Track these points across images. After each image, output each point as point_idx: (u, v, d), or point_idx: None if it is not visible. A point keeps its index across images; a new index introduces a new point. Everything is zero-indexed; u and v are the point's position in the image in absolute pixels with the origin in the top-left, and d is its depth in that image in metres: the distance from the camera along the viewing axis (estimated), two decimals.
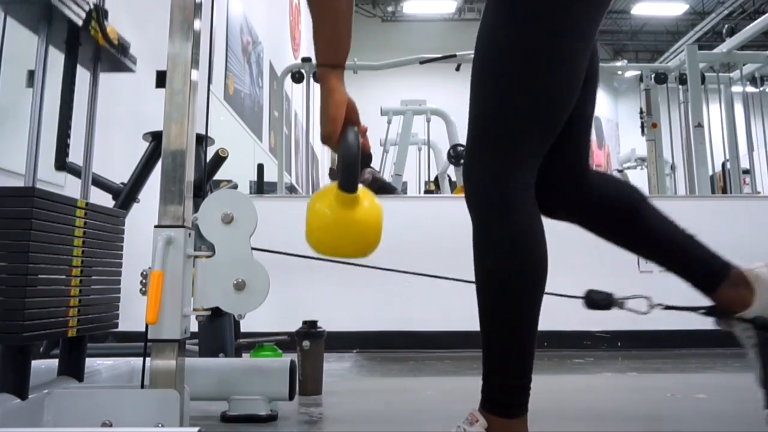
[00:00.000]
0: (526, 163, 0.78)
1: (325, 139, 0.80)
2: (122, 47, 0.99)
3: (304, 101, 3.73)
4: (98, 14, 0.93)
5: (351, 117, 0.80)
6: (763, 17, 3.64)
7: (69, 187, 0.96)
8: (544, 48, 0.76)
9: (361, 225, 0.78)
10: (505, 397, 0.77)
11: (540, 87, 0.77)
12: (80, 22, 0.91)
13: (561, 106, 0.78)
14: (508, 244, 0.77)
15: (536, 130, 0.78)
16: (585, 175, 0.89)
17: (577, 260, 2.64)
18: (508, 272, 0.76)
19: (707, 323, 2.98)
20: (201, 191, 1.23)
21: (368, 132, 0.83)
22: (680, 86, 3.83)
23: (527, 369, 0.77)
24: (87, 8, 0.93)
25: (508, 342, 0.77)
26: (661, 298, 3.09)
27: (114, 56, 1.00)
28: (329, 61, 0.80)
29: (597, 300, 0.85)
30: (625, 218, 0.90)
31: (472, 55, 0.82)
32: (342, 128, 0.78)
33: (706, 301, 0.90)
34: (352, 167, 0.74)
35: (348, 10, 0.80)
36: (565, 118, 0.79)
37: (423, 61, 3.81)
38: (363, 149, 0.77)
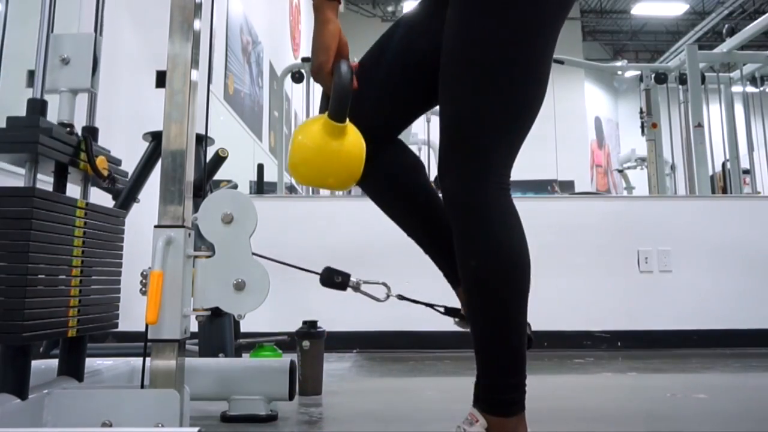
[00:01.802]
0: (501, 163, 0.79)
1: (317, 70, 0.79)
2: (112, 179, 0.96)
3: (304, 101, 3.73)
4: (87, 146, 0.92)
5: (342, 51, 0.80)
6: (763, 17, 3.64)
7: (69, 187, 0.95)
8: (526, 53, 0.78)
9: (348, 155, 0.77)
10: (501, 395, 0.77)
11: (518, 92, 0.78)
12: (67, 160, 0.90)
13: (535, 108, 0.80)
14: (489, 244, 0.77)
15: (511, 132, 0.79)
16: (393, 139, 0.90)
17: (576, 260, 2.65)
18: (493, 271, 0.77)
19: (707, 323, 2.98)
20: (201, 191, 1.22)
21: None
22: (680, 86, 3.82)
23: (520, 366, 0.78)
24: (75, 142, 0.91)
25: (498, 341, 0.78)
26: (662, 296, 3.09)
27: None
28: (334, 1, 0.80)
29: (333, 278, 0.85)
30: (410, 174, 0.90)
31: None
32: (334, 60, 0.78)
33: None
34: (345, 95, 0.73)
35: None
36: (534, 118, 0.81)
37: None
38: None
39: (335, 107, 0.74)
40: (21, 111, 0.90)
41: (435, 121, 4.37)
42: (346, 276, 0.85)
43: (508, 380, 0.77)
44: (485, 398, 0.78)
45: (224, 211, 0.88)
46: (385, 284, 0.85)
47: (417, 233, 0.90)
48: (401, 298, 0.87)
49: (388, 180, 0.88)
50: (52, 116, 0.92)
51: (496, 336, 0.78)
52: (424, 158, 4.68)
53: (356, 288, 0.85)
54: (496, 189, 0.78)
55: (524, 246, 0.79)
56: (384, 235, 2.61)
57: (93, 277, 0.95)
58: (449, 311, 0.87)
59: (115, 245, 1.02)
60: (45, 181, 0.91)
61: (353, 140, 0.77)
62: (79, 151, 0.92)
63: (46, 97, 0.91)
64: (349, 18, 7.53)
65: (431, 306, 0.87)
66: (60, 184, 0.93)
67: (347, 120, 0.75)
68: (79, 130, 0.95)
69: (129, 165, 1.60)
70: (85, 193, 0.99)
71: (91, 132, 0.97)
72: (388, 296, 0.85)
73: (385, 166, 0.86)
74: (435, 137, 4.52)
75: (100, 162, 0.93)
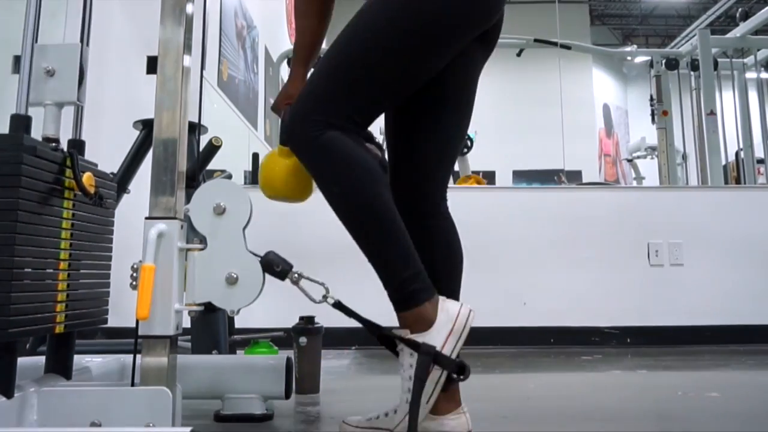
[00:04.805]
0: (343, 112, 0.91)
1: (275, 107, 1.05)
2: (99, 197, 0.95)
3: None
4: (73, 163, 0.87)
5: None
6: None
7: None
8: (370, 23, 0.93)
9: (300, 168, 0.94)
10: (404, 291, 0.87)
11: (351, 50, 0.93)
12: (52, 178, 0.85)
13: (386, 83, 0.93)
14: (340, 167, 0.89)
15: (358, 93, 0.92)
16: (437, 205, 1.03)
17: (587, 253, 2.61)
18: (351, 188, 0.89)
19: (720, 319, 2.93)
20: (194, 181, 1.20)
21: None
22: (692, 72, 3.76)
23: (406, 261, 0.88)
24: (60, 159, 0.86)
25: (377, 251, 0.89)
26: (674, 291, 3.04)
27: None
28: (304, 62, 1.07)
29: (272, 266, 0.88)
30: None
31: None
32: (287, 105, 0.99)
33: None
34: None
35: (323, 29, 1.08)
36: (390, 96, 0.95)
37: None
38: None
39: (281, 135, 0.99)
40: (7, 95, 0.87)
41: None
42: (288, 266, 0.89)
43: (403, 275, 0.87)
44: (396, 300, 0.88)
45: (216, 202, 0.87)
46: (324, 285, 0.90)
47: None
48: (337, 306, 0.91)
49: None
50: (37, 130, 0.88)
51: (372, 247, 0.89)
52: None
53: (295, 282, 0.88)
54: (334, 128, 0.89)
55: (371, 162, 0.90)
56: None
57: (81, 271, 0.93)
58: (380, 337, 0.93)
59: (104, 237, 1.00)
60: None
61: None
62: (64, 168, 0.88)
63: (31, 110, 0.87)
64: (349, 3, 7.41)
65: (364, 322, 0.93)
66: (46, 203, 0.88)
67: None
68: (64, 143, 0.92)
69: (119, 154, 1.58)
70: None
71: (77, 146, 0.94)
72: (325, 298, 0.90)
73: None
74: None
75: (87, 179, 0.90)
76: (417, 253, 0.96)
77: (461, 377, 0.86)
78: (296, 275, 0.88)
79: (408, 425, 0.84)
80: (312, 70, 1.02)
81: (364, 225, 0.88)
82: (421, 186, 1.01)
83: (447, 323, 0.86)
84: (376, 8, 0.92)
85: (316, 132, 0.89)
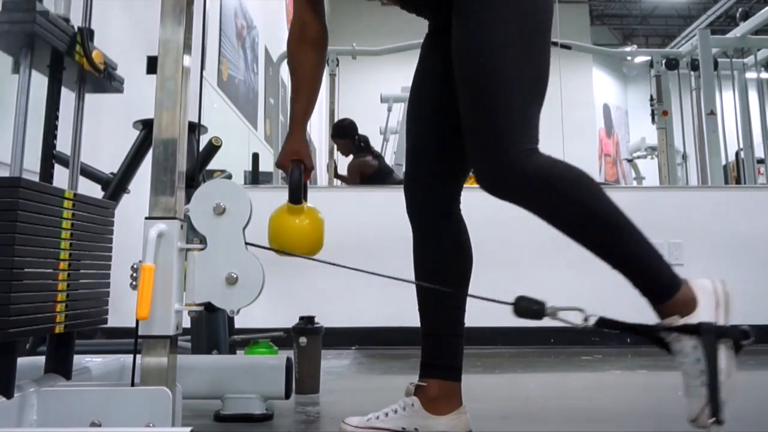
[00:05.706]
0: (534, 135, 0.94)
1: (281, 164, 1.08)
2: (108, 72, 0.96)
3: None
4: (83, 38, 0.90)
5: (304, 157, 1.07)
6: None
7: (56, 177, 0.92)
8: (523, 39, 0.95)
9: (307, 227, 1.05)
10: (665, 278, 0.89)
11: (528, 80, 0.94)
12: (64, 48, 0.88)
13: (542, 90, 0.97)
14: (569, 189, 0.90)
15: (523, 107, 0.93)
16: (452, 206, 1.07)
17: (584, 253, 2.59)
18: (588, 206, 0.90)
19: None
20: (194, 181, 1.19)
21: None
22: (692, 72, 3.75)
23: (654, 246, 0.89)
24: (72, 32, 0.89)
25: (635, 247, 0.89)
26: None
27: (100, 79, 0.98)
28: (300, 123, 1.09)
29: (527, 308, 0.87)
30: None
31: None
32: (292, 162, 1.06)
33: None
34: (295, 188, 1.04)
35: (313, 92, 1.10)
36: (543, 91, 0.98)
37: None
38: (305, 178, 1.09)
39: (290, 195, 1.04)
40: (6, 98, 0.86)
41: (395, 109, 4.28)
42: (541, 304, 0.87)
43: (660, 266, 0.88)
44: (657, 293, 0.87)
45: (216, 202, 0.86)
46: (580, 309, 0.86)
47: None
48: (602, 323, 0.88)
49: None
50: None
51: (623, 251, 0.89)
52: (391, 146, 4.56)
53: (553, 315, 0.87)
54: (524, 157, 0.89)
55: (577, 182, 0.90)
56: (389, 225, 2.57)
57: (81, 271, 0.92)
58: (648, 335, 0.90)
59: (104, 237, 1.00)
60: (32, 172, 0.88)
61: (310, 217, 1.05)
62: (74, 43, 0.90)
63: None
64: (350, 1, 7.40)
65: (634, 329, 0.90)
66: (55, 79, 0.92)
67: (303, 203, 1.04)
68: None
69: (119, 154, 1.57)
70: (80, 93, 0.96)
71: (87, 31, 0.95)
72: (585, 321, 0.87)
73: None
74: (392, 124, 4.45)
75: (96, 56, 0.92)
76: (429, 252, 0.97)
77: (746, 343, 0.83)
78: (550, 309, 0.87)
79: (711, 406, 0.83)
80: (469, 107, 0.93)
81: (608, 234, 0.89)
82: (443, 187, 1.01)
83: (709, 296, 0.85)
84: (501, 28, 0.92)
85: (527, 164, 0.89)
